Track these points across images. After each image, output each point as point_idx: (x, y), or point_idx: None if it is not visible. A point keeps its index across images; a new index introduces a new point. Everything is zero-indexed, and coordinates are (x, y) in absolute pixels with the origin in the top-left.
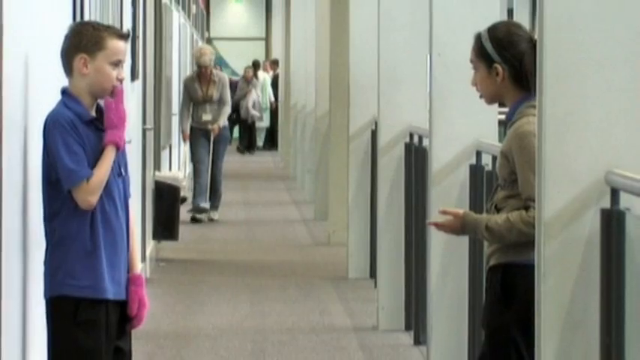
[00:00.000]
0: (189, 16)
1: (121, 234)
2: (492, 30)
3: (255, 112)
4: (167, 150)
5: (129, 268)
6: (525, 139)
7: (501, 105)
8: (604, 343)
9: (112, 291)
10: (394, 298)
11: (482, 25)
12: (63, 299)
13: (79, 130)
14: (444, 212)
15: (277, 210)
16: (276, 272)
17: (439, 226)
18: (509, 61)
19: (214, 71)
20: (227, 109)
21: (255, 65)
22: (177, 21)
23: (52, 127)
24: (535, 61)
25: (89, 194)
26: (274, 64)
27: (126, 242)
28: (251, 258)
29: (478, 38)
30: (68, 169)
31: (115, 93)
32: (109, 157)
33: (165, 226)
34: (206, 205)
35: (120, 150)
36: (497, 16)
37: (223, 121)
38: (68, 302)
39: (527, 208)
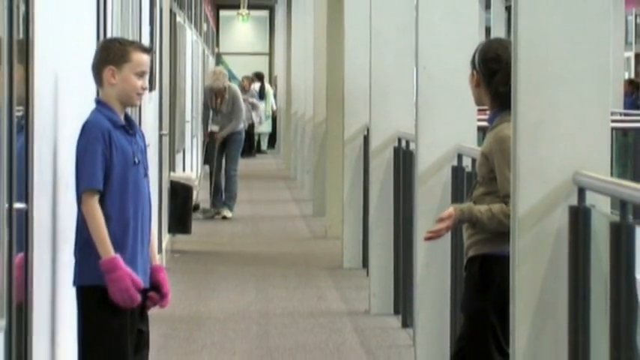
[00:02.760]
0: (200, 33)
1: (147, 228)
2: (485, 44)
3: (253, 116)
4: (181, 153)
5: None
6: (505, 142)
7: (480, 112)
8: (572, 325)
9: (140, 280)
10: (384, 286)
11: (463, 42)
12: (94, 287)
13: (112, 138)
14: (440, 220)
15: (279, 207)
16: (279, 262)
17: (436, 234)
18: (482, 72)
19: (227, 87)
20: (235, 123)
21: (259, 77)
22: (190, 38)
23: (87, 131)
24: (506, 80)
25: (90, 203)
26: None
27: (149, 235)
28: (256, 250)
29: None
30: (90, 172)
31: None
32: (100, 244)
33: (179, 221)
34: (208, 206)
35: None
36: (477, 34)
37: (227, 131)
38: (99, 290)
39: (506, 204)
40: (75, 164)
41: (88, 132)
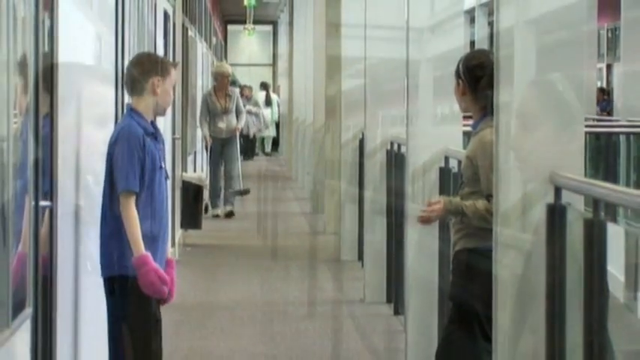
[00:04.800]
0: (210, 46)
1: (166, 225)
2: (469, 54)
3: (253, 127)
4: (192, 155)
5: None
6: (489, 146)
7: (465, 119)
8: (549, 313)
9: (165, 275)
10: (377, 277)
11: (449, 56)
12: (120, 278)
13: (145, 144)
14: (429, 204)
15: (282, 205)
16: (282, 256)
17: (428, 216)
18: (467, 80)
19: (229, 87)
20: (243, 116)
21: (265, 86)
22: (201, 50)
23: (123, 137)
24: (491, 83)
25: (126, 204)
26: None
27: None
28: (261, 244)
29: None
30: (127, 175)
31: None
32: (133, 243)
33: (190, 217)
34: (218, 210)
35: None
36: (462, 47)
37: (241, 124)
38: (124, 280)
39: (489, 202)
40: (108, 166)
41: (125, 137)
